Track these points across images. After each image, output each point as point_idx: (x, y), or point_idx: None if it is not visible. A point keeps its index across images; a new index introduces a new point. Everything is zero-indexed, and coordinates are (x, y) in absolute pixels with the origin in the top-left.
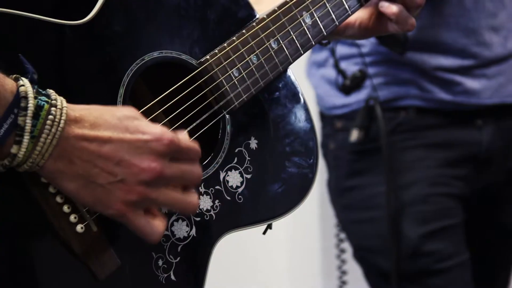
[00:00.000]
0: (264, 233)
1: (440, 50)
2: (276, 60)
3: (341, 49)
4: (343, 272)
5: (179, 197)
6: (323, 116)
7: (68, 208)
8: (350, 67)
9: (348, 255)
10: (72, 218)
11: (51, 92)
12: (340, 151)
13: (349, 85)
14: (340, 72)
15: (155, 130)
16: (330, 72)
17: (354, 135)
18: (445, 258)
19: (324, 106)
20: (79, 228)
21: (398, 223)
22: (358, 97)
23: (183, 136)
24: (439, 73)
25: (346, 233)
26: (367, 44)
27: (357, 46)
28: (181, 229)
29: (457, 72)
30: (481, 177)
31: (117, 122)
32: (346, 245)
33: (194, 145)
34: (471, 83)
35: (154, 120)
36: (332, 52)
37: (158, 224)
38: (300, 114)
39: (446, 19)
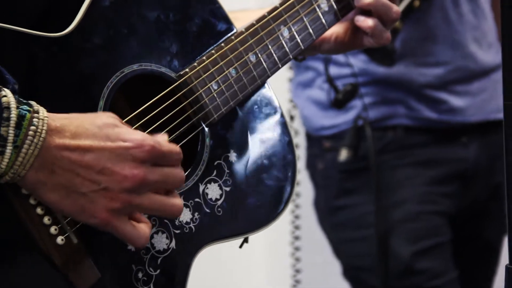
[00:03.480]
0: (241, 246)
1: (428, 63)
2: (255, 73)
3: (332, 70)
4: (297, 281)
5: (163, 200)
6: (310, 137)
7: (49, 220)
8: (340, 87)
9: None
10: (53, 230)
11: (32, 102)
12: (329, 170)
13: (341, 99)
14: (333, 86)
15: (136, 137)
16: (317, 92)
17: (343, 154)
18: (437, 276)
19: (312, 127)
20: (60, 240)
21: (389, 241)
22: (346, 118)
23: (163, 140)
24: (425, 90)
25: (336, 252)
26: (356, 64)
27: (350, 66)
28: (161, 242)
29: (443, 88)
30: (467, 193)
31: (98, 130)
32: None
33: (175, 147)
34: (456, 101)
35: None
36: (325, 68)
37: (143, 228)
38: (278, 127)
39: (432, 32)
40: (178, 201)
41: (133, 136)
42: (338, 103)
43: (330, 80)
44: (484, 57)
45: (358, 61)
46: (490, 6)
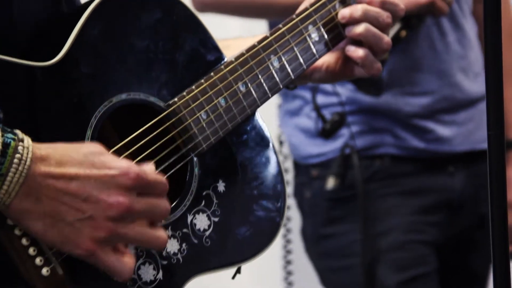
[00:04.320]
0: (233, 277)
1: (414, 92)
2: (244, 103)
3: (319, 98)
4: None
5: (148, 232)
6: (298, 165)
7: (34, 251)
8: (328, 116)
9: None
10: (38, 261)
11: (17, 131)
12: (316, 199)
13: (329, 128)
14: (320, 116)
15: (122, 165)
16: (304, 121)
17: (331, 183)
18: None
19: (299, 155)
20: (45, 271)
21: (375, 270)
22: (334, 146)
23: (150, 170)
24: (412, 120)
25: (323, 281)
26: (343, 93)
27: (337, 95)
28: (148, 273)
29: (429, 118)
30: (454, 223)
31: (83, 158)
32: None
33: (161, 178)
34: (442, 130)
35: None
36: (313, 98)
37: (128, 261)
38: (268, 157)
39: (418, 62)
40: (163, 233)
41: (118, 164)
42: (326, 133)
43: (317, 109)
44: (471, 87)
45: (346, 90)
46: (477, 36)
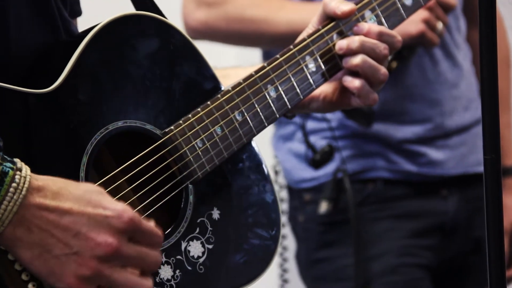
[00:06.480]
0: None
1: (406, 121)
2: (240, 132)
3: (310, 124)
4: None
5: (134, 279)
6: (291, 190)
7: (27, 276)
8: (319, 141)
9: None
10: (30, 286)
11: (16, 160)
12: (310, 223)
13: (318, 159)
14: (310, 147)
15: (117, 207)
16: (297, 146)
17: (323, 207)
18: None
19: (292, 179)
20: None
21: None
22: (326, 170)
23: (148, 220)
24: (404, 145)
25: None
26: (334, 118)
27: (326, 120)
28: None
29: (422, 142)
30: (448, 247)
31: (81, 194)
32: None
33: (157, 230)
34: (435, 154)
35: (117, 189)
36: (302, 127)
37: None
38: (263, 185)
39: (410, 90)
40: (148, 283)
41: (114, 205)
42: (316, 163)
43: (306, 139)
44: (463, 115)
45: (338, 115)
46: (471, 62)
